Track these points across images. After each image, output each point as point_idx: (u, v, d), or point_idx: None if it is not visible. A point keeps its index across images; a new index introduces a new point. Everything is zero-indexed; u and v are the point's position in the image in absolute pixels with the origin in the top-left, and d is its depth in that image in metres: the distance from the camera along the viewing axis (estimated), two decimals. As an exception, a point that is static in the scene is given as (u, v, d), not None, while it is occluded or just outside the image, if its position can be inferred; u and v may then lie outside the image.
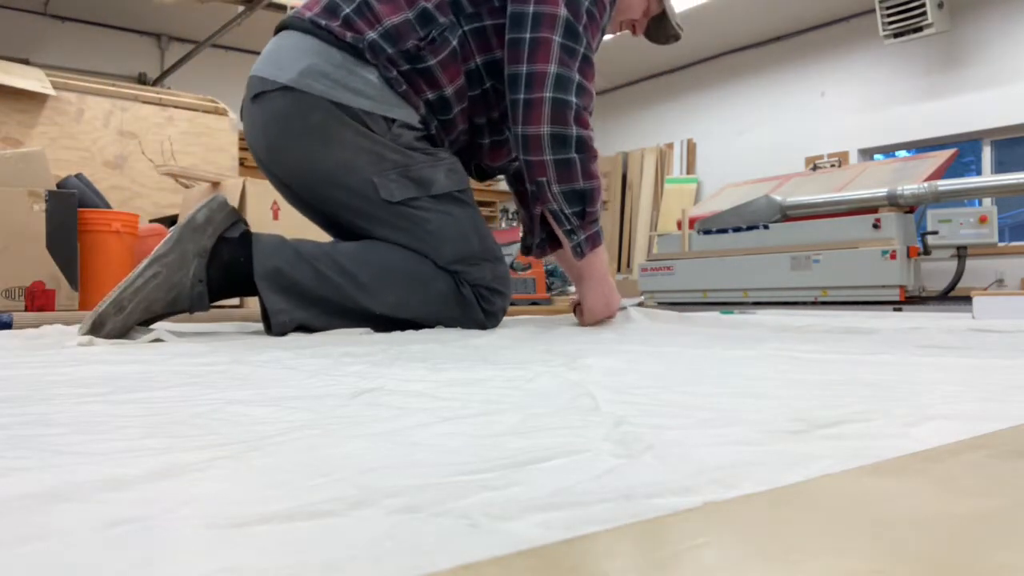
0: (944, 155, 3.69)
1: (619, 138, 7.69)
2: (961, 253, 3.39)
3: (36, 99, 3.31)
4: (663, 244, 4.16)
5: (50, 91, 3.33)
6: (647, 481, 0.31)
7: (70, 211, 2.08)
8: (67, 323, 1.43)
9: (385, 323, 1.31)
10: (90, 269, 2.19)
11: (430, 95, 1.35)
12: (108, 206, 2.59)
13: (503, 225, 7.37)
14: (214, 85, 5.64)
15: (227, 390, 0.58)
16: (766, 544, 0.23)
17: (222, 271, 1.21)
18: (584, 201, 1.36)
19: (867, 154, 6.15)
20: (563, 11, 1.33)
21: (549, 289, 3.98)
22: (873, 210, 3.35)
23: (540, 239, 1.67)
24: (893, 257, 3.12)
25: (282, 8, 4.52)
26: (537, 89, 1.31)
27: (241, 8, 5.06)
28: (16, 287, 1.96)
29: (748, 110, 6.87)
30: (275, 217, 2.53)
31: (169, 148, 3.61)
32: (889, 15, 5.35)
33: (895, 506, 0.27)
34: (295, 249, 1.26)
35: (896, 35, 5.38)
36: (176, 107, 3.77)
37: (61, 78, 3.50)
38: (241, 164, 4.26)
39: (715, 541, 0.24)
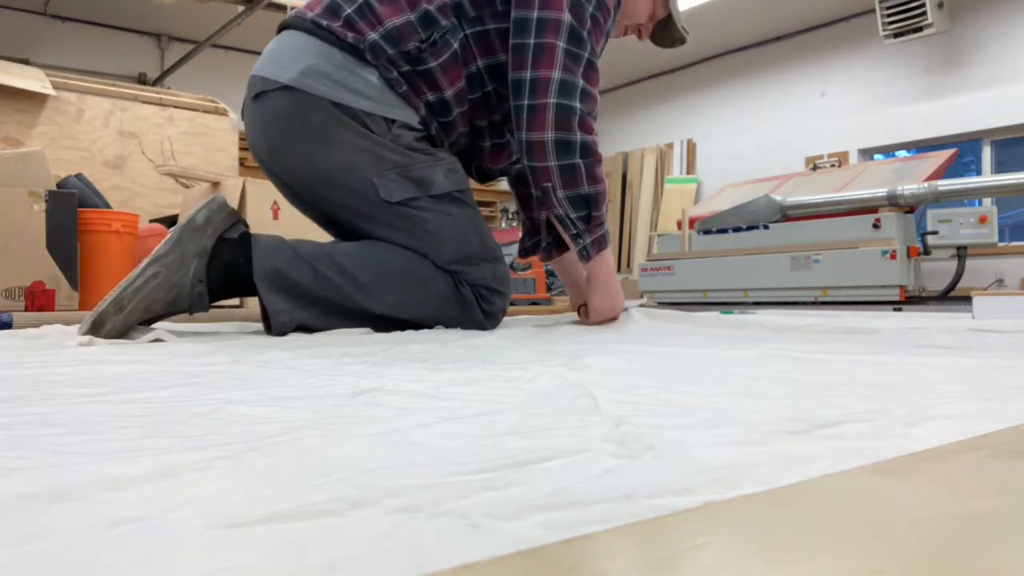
0: (944, 155, 3.69)
1: (619, 138, 7.69)
2: (961, 253, 3.39)
3: (36, 99, 3.31)
4: (663, 244, 4.16)
5: (50, 91, 3.33)
6: (647, 481, 0.31)
7: (70, 211, 2.08)
8: (67, 323, 1.43)
9: (385, 323, 1.31)
10: (90, 269, 2.19)
11: (430, 97, 1.36)
12: (108, 206, 2.59)
13: (503, 225, 7.37)
14: (214, 85, 5.64)
15: (227, 390, 0.58)
16: (766, 544, 0.23)
17: (222, 271, 1.21)
18: (589, 205, 1.36)
19: (867, 154, 6.15)
20: (567, 16, 1.33)
21: (549, 289, 3.98)
22: (873, 210, 3.35)
23: (547, 243, 1.68)
24: (893, 257, 3.12)
25: (282, 8, 4.52)
26: (541, 95, 1.31)
27: (241, 8, 5.05)
28: (16, 287, 1.96)
29: (748, 110, 6.87)
30: (275, 217, 2.53)
31: (169, 148, 3.61)
32: (889, 15, 5.34)
33: (895, 506, 0.27)
34: (294, 249, 1.26)
35: (896, 35, 5.38)
36: (176, 107, 3.77)
37: (61, 78, 3.50)
38: (241, 164, 4.26)
39: (715, 541, 0.24)
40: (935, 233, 3.34)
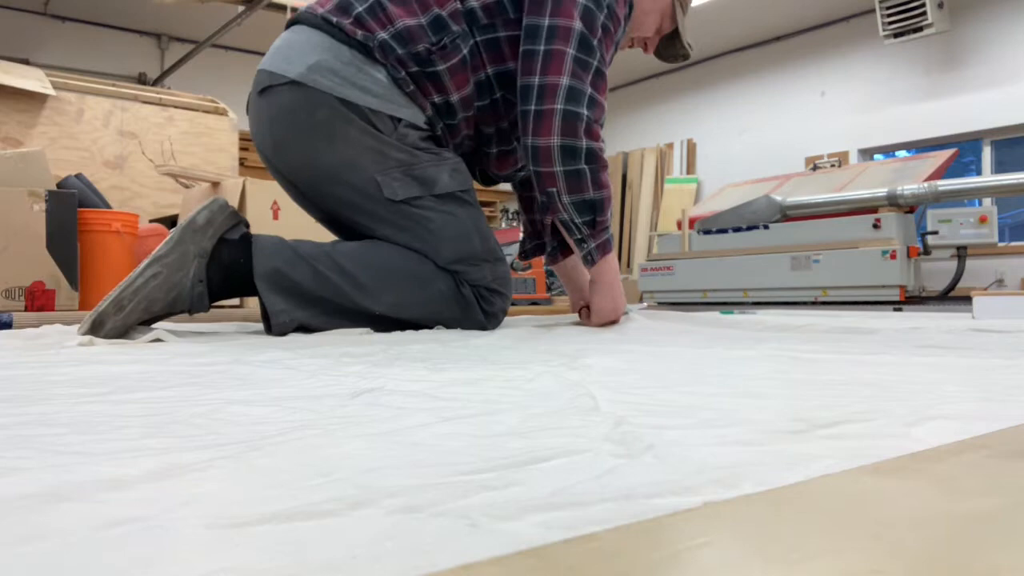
0: (944, 155, 3.68)
1: (619, 138, 7.69)
2: (961, 253, 3.39)
3: (36, 99, 3.31)
4: (663, 244, 4.16)
5: (50, 91, 3.33)
6: (647, 481, 0.31)
7: (70, 211, 2.08)
8: (67, 323, 1.43)
9: (385, 323, 1.31)
10: (90, 269, 2.19)
11: (436, 98, 1.36)
12: (108, 206, 2.58)
13: (503, 225, 7.37)
14: (214, 85, 5.64)
15: (227, 390, 0.58)
16: (766, 544, 0.23)
17: (222, 272, 1.21)
18: (594, 211, 1.37)
19: (867, 154, 6.15)
20: (578, 24, 1.33)
21: (549, 289, 3.98)
22: (873, 210, 3.35)
23: (552, 247, 1.68)
24: (893, 257, 3.12)
25: (282, 8, 4.52)
26: (549, 101, 1.31)
27: (241, 8, 5.05)
28: (16, 287, 1.96)
29: (748, 110, 6.87)
30: (275, 217, 2.53)
31: (169, 148, 3.61)
32: (889, 15, 5.34)
33: (895, 506, 0.27)
34: (295, 250, 1.26)
35: (896, 35, 5.38)
36: (176, 107, 3.77)
37: (61, 78, 3.50)
38: (241, 164, 4.26)
39: (715, 541, 0.24)
40: (935, 233, 3.34)
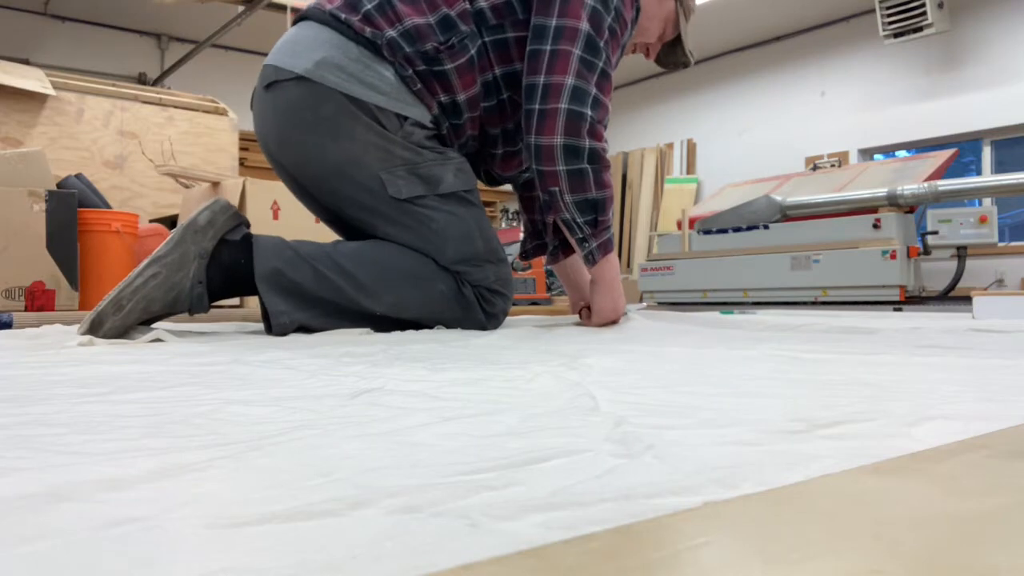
0: (944, 155, 3.68)
1: (619, 138, 7.69)
2: (961, 253, 3.39)
3: (36, 99, 3.31)
4: (663, 244, 4.16)
5: (50, 91, 3.33)
6: (647, 481, 0.31)
7: (70, 211, 2.08)
8: (67, 323, 1.43)
9: (386, 323, 1.31)
10: (90, 269, 2.19)
11: (443, 98, 1.36)
12: (108, 206, 2.58)
13: (503, 225, 7.37)
14: (214, 85, 5.64)
15: (227, 390, 0.58)
16: (766, 544, 0.23)
17: (222, 272, 1.21)
18: (596, 210, 1.37)
19: (867, 154, 6.15)
20: (585, 26, 1.33)
21: (549, 289, 3.98)
22: (873, 210, 3.35)
23: (553, 247, 1.69)
24: (893, 257, 3.12)
25: (282, 8, 4.52)
26: (553, 100, 1.32)
27: (241, 8, 5.06)
28: (16, 287, 1.96)
29: (748, 110, 6.87)
30: (275, 217, 2.53)
31: (169, 148, 3.61)
32: (889, 15, 5.35)
33: (895, 506, 0.27)
34: (295, 250, 1.26)
35: (896, 35, 5.38)
36: (176, 107, 3.77)
37: (61, 78, 3.50)
38: (241, 164, 4.26)
39: (715, 541, 0.24)
40: (935, 233, 3.34)
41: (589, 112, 1.33)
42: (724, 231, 3.80)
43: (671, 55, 1.66)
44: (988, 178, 3.45)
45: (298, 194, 1.47)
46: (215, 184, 2.67)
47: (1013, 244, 5.35)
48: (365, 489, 0.30)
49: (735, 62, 6.92)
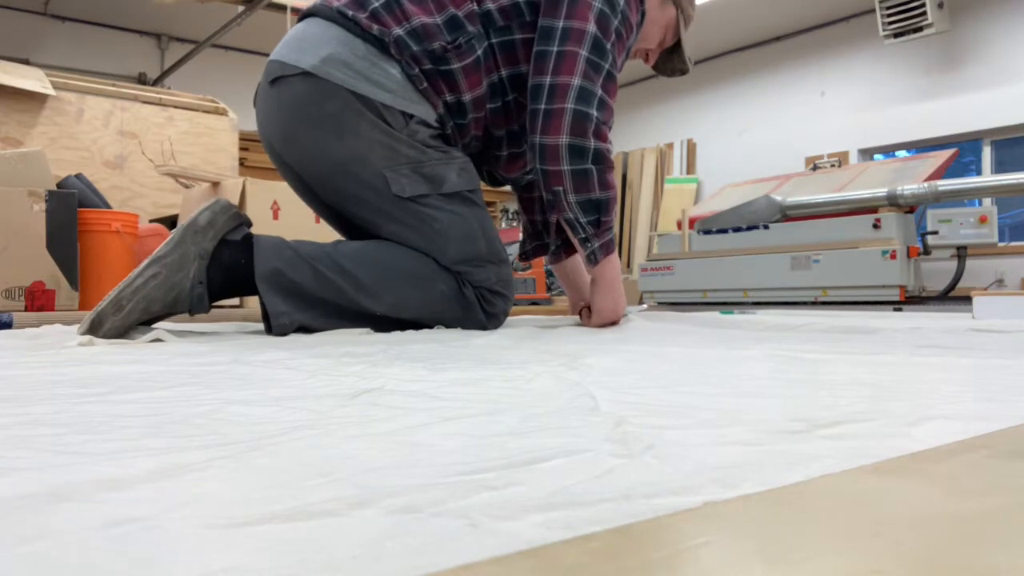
0: (944, 155, 3.68)
1: (619, 138, 7.69)
2: (961, 253, 3.39)
3: (36, 99, 3.31)
4: (663, 244, 4.16)
5: (50, 91, 3.33)
6: (647, 481, 0.31)
7: (70, 211, 2.08)
8: (67, 323, 1.43)
9: (386, 323, 1.31)
10: (90, 269, 2.19)
11: (449, 97, 1.36)
12: (108, 206, 2.58)
13: (503, 225, 7.37)
14: (214, 85, 5.64)
15: (227, 390, 0.58)
16: (766, 544, 0.23)
17: (223, 272, 1.21)
18: (599, 210, 1.37)
19: (867, 154, 6.15)
20: (592, 27, 1.34)
21: (549, 289, 3.98)
22: (873, 210, 3.35)
23: (555, 246, 1.69)
24: (893, 257, 3.12)
25: (282, 8, 4.52)
26: (559, 100, 1.32)
27: (241, 8, 5.06)
28: (16, 287, 1.96)
29: (748, 110, 6.87)
30: (275, 217, 2.53)
31: (169, 148, 3.61)
32: (889, 15, 5.35)
33: (895, 506, 0.27)
34: (295, 250, 1.26)
35: (896, 35, 5.38)
36: (176, 107, 3.77)
37: (61, 78, 3.50)
38: (241, 164, 4.25)
39: (715, 541, 0.24)
40: (935, 233, 3.34)
41: (595, 113, 1.33)
42: (724, 231, 3.80)
43: (669, 62, 1.67)
44: (988, 178, 3.45)
45: (300, 191, 1.47)
46: (215, 184, 2.67)
47: (1013, 244, 5.35)
48: (365, 489, 0.30)
49: (735, 62, 6.92)
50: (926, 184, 3.29)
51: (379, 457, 0.36)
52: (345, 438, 0.40)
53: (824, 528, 0.25)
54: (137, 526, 0.25)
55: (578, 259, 1.68)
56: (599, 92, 1.34)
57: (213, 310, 1.35)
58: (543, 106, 1.33)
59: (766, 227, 3.63)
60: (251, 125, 1.50)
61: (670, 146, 7.41)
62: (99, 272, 2.21)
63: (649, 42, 1.59)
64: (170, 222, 2.87)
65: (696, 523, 0.26)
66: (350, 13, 1.32)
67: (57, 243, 2.03)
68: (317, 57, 1.30)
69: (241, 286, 1.24)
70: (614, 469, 0.33)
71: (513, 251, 3.25)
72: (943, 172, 3.59)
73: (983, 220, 3.27)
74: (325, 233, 1.51)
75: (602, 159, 1.35)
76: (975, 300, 1.91)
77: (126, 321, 1.11)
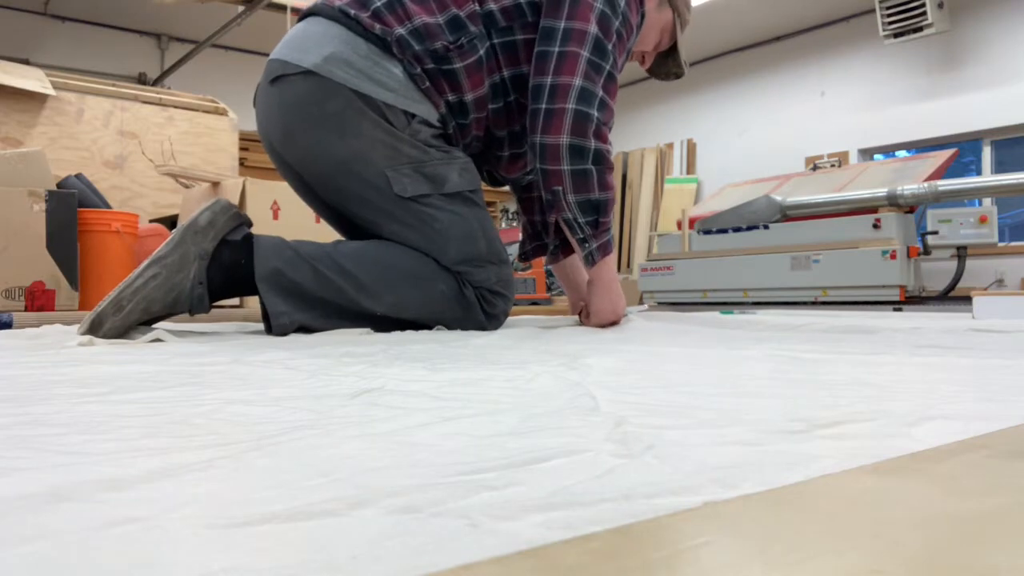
0: (944, 155, 3.68)
1: (619, 138, 7.69)
2: (961, 253, 3.39)
3: (36, 99, 3.31)
4: (663, 244, 4.16)
5: (50, 91, 3.33)
6: (647, 481, 0.31)
7: (70, 211, 2.08)
8: (67, 323, 1.43)
9: (386, 323, 1.31)
10: (90, 269, 2.19)
11: (451, 97, 1.36)
12: (108, 206, 2.58)
13: (503, 225, 7.37)
14: (214, 85, 5.64)
15: (227, 390, 0.58)
16: (766, 544, 0.23)
17: (223, 273, 1.21)
18: (598, 211, 1.37)
19: (867, 154, 6.15)
20: (594, 28, 1.34)
21: (549, 289, 3.98)
22: (873, 210, 3.35)
23: (553, 246, 1.70)
24: (893, 257, 3.12)
25: (282, 8, 4.52)
26: (560, 100, 1.32)
27: (241, 8, 5.06)
28: (16, 287, 1.96)
29: (748, 110, 6.87)
30: (275, 217, 2.53)
31: (169, 148, 3.61)
32: (889, 15, 5.35)
33: (895, 506, 0.27)
34: (295, 250, 1.26)
35: (896, 35, 5.38)
36: (176, 107, 3.77)
37: (61, 78, 3.50)
38: (241, 164, 4.25)
39: (715, 541, 0.24)
40: (935, 233, 3.34)
41: (595, 113, 1.33)
42: (724, 231, 3.80)
43: (664, 65, 1.67)
44: (988, 178, 3.45)
45: (300, 191, 1.47)
46: (215, 184, 2.67)
47: (1013, 244, 5.35)
48: (365, 489, 0.30)
49: (735, 62, 6.91)
50: (926, 184, 3.29)
51: (379, 457, 0.36)
52: (345, 438, 0.40)
53: (824, 528, 0.25)
54: (137, 526, 0.25)
55: (577, 259, 1.68)
56: (600, 93, 1.35)
57: (213, 310, 1.35)
58: (544, 106, 1.33)
59: (766, 227, 3.63)
60: (251, 125, 1.50)
61: (670, 146, 7.41)
62: (99, 272, 2.21)
63: (646, 45, 1.59)
64: (170, 222, 2.87)
65: (696, 523, 0.26)
66: (352, 12, 1.32)
67: (57, 243, 2.03)
68: (319, 56, 1.30)
69: (241, 286, 1.24)
70: (614, 469, 0.33)
71: (513, 251, 3.25)
72: (943, 172, 3.59)
73: (983, 220, 3.27)
74: (325, 233, 1.51)
75: (602, 160, 1.35)
76: (975, 300, 1.91)
77: (126, 321, 1.11)
